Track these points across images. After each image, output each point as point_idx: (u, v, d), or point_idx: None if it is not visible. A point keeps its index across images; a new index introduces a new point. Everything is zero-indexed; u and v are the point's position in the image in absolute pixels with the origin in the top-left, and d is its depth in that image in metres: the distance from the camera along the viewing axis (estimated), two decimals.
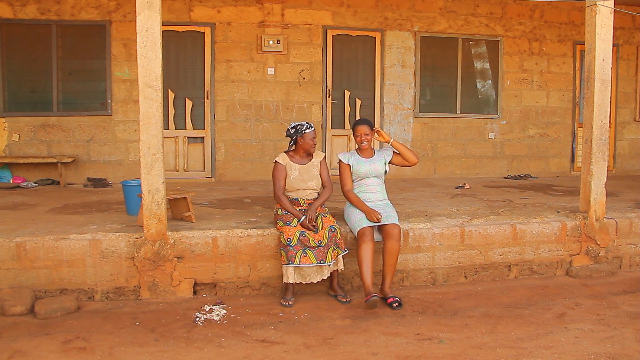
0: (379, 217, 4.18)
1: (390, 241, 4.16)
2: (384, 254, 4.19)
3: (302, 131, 4.32)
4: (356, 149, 4.56)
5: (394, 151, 4.51)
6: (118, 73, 7.28)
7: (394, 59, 8.00)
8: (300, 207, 4.32)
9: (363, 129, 4.40)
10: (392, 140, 4.46)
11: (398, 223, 4.27)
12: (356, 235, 4.22)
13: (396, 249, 4.16)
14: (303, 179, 4.36)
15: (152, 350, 3.31)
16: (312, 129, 4.35)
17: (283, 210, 4.29)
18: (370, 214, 4.20)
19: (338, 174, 4.53)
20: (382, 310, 4.01)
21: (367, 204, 4.34)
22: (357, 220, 4.25)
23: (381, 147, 4.68)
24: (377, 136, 4.51)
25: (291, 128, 4.37)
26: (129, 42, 7.15)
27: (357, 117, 7.94)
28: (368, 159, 4.48)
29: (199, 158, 7.65)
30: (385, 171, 4.55)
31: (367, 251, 4.07)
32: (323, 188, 4.45)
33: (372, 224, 4.18)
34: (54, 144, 7.25)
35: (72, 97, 7.33)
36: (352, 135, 4.56)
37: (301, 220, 4.16)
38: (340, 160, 4.48)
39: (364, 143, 4.40)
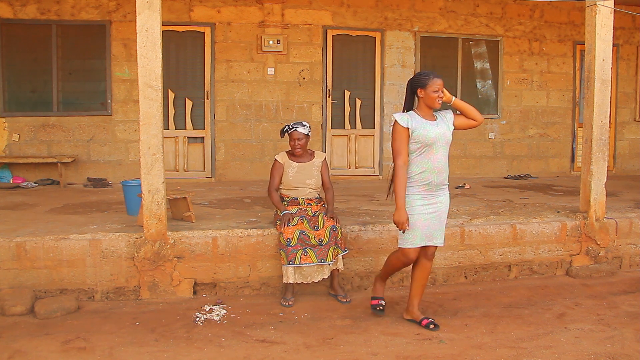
0: (406, 227, 3.46)
1: (427, 262, 3.68)
2: (417, 271, 3.71)
3: (284, 131, 4.38)
4: (414, 109, 3.60)
5: (454, 113, 3.70)
6: (118, 73, 7.28)
7: (394, 59, 8.00)
8: (300, 207, 4.32)
9: (440, 82, 3.50)
10: (454, 98, 3.65)
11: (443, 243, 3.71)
12: (400, 245, 3.59)
13: (430, 268, 3.73)
14: (301, 177, 4.36)
15: (152, 350, 3.31)
16: (294, 129, 4.30)
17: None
18: (401, 217, 3.43)
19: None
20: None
21: (428, 198, 3.53)
22: (410, 232, 3.50)
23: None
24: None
25: (284, 127, 4.42)
26: (129, 42, 7.15)
27: (357, 117, 7.96)
28: (433, 121, 3.56)
29: (199, 158, 7.65)
30: None
31: (399, 266, 3.69)
32: (325, 190, 4.46)
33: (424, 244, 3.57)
34: (54, 144, 7.24)
35: (72, 97, 7.33)
36: (421, 91, 3.49)
37: (283, 213, 4.18)
38: (396, 121, 3.49)
39: (439, 101, 3.51)
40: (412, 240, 3.51)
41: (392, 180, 3.50)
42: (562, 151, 8.81)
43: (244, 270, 4.33)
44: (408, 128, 3.45)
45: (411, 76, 3.78)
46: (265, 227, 4.43)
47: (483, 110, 8.43)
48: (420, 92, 3.51)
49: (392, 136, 3.51)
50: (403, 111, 3.58)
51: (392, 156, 3.54)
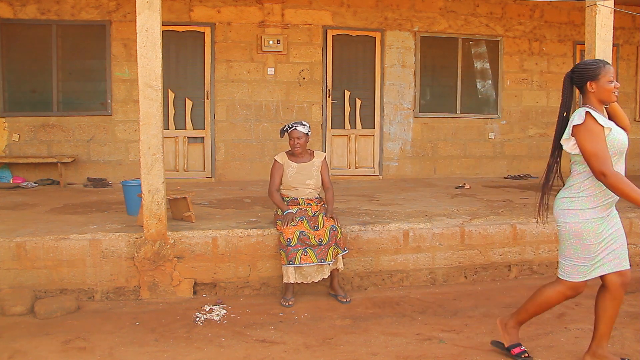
0: None
1: (616, 289, 2.93)
2: (606, 303, 3.01)
3: (284, 130, 4.39)
4: (586, 105, 2.83)
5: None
6: (118, 73, 7.28)
7: (394, 59, 8.00)
8: (300, 207, 4.32)
9: (613, 69, 2.84)
10: None
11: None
12: (570, 278, 2.91)
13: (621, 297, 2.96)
14: (301, 177, 4.37)
15: (152, 350, 3.31)
16: (294, 128, 4.32)
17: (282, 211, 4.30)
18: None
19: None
20: (382, 310, 4.01)
21: (606, 219, 2.84)
22: (588, 262, 2.82)
23: None
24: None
25: (284, 126, 4.43)
26: (129, 42, 7.15)
27: (357, 117, 7.96)
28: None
29: (199, 158, 7.65)
30: None
31: (557, 303, 3.05)
32: (325, 190, 4.46)
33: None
34: (54, 144, 7.25)
35: (72, 97, 7.33)
36: (592, 84, 2.81)
37: (286, 212, 4.20)
38: (589, 116, 2.70)
39: (616, 93, 2.81)
40: (587, 272, 2.85)
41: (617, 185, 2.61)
42: None
43: (244, 270, 4.33)
44: (605, 127, 2.70)
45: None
46: (265, 227, 4.43)
47: (483, 110, 8.46)
48: (590, 86, 2.81)
49: (583, 137, 2.69)
50: (562, 113, 2.90)
51: (591, 165, 2.67)
